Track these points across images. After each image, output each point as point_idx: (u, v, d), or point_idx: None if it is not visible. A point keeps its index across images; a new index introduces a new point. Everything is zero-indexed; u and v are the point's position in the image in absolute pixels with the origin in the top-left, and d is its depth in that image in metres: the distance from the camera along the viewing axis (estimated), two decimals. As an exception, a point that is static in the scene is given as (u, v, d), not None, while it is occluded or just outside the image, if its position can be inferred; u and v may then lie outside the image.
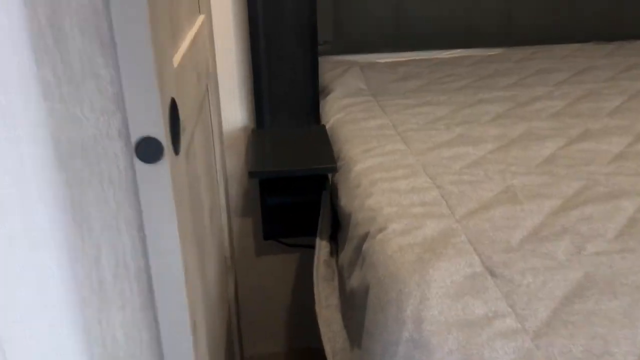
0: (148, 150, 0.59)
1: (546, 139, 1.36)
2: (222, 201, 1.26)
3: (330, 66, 1.98)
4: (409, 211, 1.05)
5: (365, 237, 1.05)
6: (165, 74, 0.62)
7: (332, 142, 1.45)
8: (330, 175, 1.40)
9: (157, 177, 0.60)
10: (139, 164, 0.60)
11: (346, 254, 1.15)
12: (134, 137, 0.59)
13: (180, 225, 0.63)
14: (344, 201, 1.21)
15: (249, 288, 1.64)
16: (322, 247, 1.26)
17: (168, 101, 0.63)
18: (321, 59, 2.07)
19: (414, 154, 1.30)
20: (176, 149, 0.65)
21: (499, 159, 1.26)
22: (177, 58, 0.73)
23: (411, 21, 2.14)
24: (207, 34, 1.08)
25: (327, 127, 1.55)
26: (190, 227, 0.71)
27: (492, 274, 0.87)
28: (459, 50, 2.17)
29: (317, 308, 1.15)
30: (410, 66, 2.03)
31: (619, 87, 1.72)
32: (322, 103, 1.72)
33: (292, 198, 1.36)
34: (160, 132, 0.59)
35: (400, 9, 2.12)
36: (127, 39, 0.56)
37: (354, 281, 1.07)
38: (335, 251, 1.32)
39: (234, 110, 1.47)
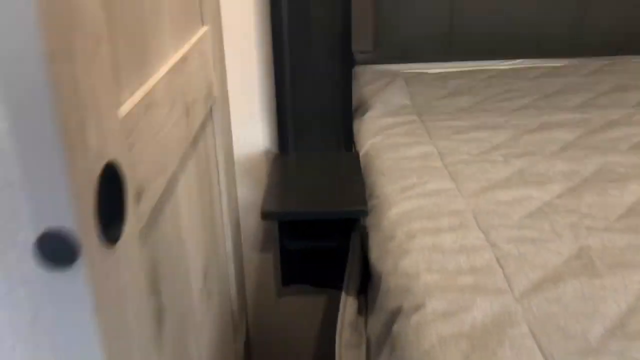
0: (52, 250, 0.40)
1: (628, 180, 1.11)
2: (229, 246, 1.07)
3: (370, 77, 1.76)
4: (454, 282, 0.83)
5: (397, 312, 0.83)
6: (96, 133, 0.42)
7: (366, 174, 1.24)
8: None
9: (68, 288, 0.40)
10: (42, 270, 0.40)
11: (375, 325, 0.94)
12: (36, 231, 0.40)
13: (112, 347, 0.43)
14: (375, 255, 1.00)
15: (268, 333, 1.44)
16: (348, 306, 1.05)
17: (98, 170, 0.43)
18: (360, 70, 1.86)
19: (463, 195, 1.07)
20: (112, 236, 0.45)
21: (570, 206, 1.02)
22: (135, 98, 0.53)
23: (466, 25, 1.90)
24: (211, 49, 0.89)
25: (361, 153, 1.33)
26: (139, 337, 0.51)
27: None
28: (521, 61, 1.91)
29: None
30: (464, 79, 1.79)
31: None
32: (358, 122, 1.51)
33: (314, 242, 1.16)
34: (70, 222, 0.39)
35: (454, 11, 1.88)
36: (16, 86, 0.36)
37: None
38: (364, 308, 1.10)
39: (254, 131, 1.28)
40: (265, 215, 1.02)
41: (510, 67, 1.90)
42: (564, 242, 0.91)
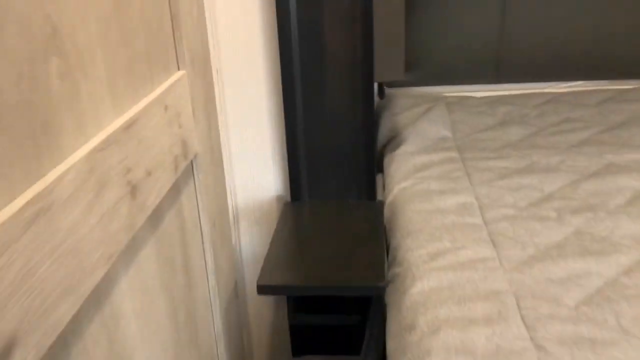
0: None
1: None
2: (218, 326, 0.90)
3: (406, 103, 1.57)
4: (484, 406, 0.64)
5: None
6: None
7: (390, 230, 1.05)
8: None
9: None
10: None
11: None
12: None
13: None
14: (393, 346, 0.82)
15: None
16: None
17: None
18: (394, 93, 1.68)
19: (505, 268, 0.88)
20: None
21: (641, 288, 0.81)
22: (12, 207, 0.37)
23: (518, 41, 1.68)
24: (190, 96, 0.73)
25: (387, 200, 1.15)
26: None
27: None
28: (581, 83, 1.68)
29: None
30: (515, 105, 1.57)
31: None
32: (389, 158, 1.32)
33: (326, 318, 0.98)
34: None
35: (505, 24, 1.66)
36: None
37: None
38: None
39: (263, 175, 1.11)
40: (262, 290, 0.85)
41: (569, 89, 1.67)
42: (634, 346, 0.71)
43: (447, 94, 1.67)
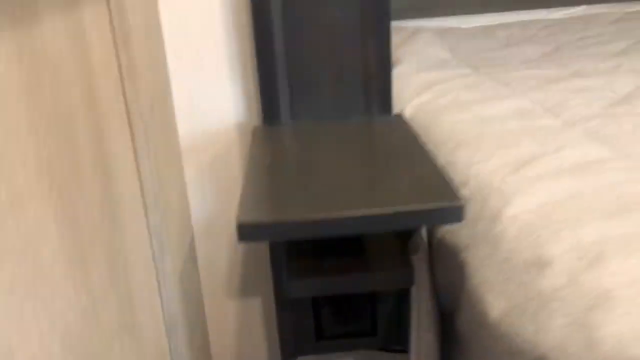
0: None
1: None
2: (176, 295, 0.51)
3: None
4: None
5: None
6: None
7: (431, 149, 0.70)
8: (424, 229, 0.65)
9: None
10: None
11: None
12: None
13: None
14: (491, 299, 0.45)
15: None
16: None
17: None
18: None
19: (628, 164, 0.54)
20: None
21: None
22: None
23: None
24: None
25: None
26: None
27: None
28: (582, 8, 1.41)
29: None
30: (514, 29, 1.28)
31: None
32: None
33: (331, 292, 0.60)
34: None
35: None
36: None
37: None
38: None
39: (214, 98, 0.73)
40: (245, 233, 0.47)
41: (567, 15, 1.40)
42: None
43: (429, 25, 1.36)
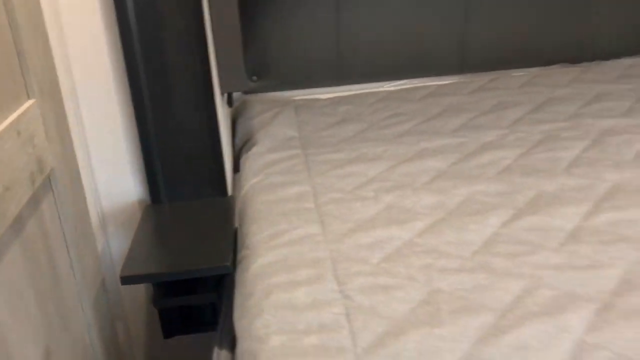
0: None
1: (489, 212, 1.14)
2: (89, 315, 1.03)
3: (259, 108, 1.76)
4: (300, 344, 0.83)
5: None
6: None
7: (241, 221, 1.23)
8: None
9: None
10: None
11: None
12: None
13: None
14: (237, 314, 0.99)
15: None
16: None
17: None
18: (251, 98, 1.86)
19: (328, 240, 1.08)
20: None
21: (429, 245, 1.05)
22: None
23: (353, 48, 1.91)
24: (42, 122, 0.86)
25: (240, 195, 1.33)
26: None
27: None
28: (406, 81, 1.95)
29: None
30: (354, 104, 1.81)
31: (581, 128, 1.50)
32: (244, 158, 1.51)
33: (187, 299, 1.14)
34: None
35: (341, 35, 1.89)
36: None
37: None
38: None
39: (125, 182, 1.25)
40: (126, 280, 1.00)
41: (399, 87, 1.94)
42: (416, 287, 0.94)
43: (297, 98, 1.88)
